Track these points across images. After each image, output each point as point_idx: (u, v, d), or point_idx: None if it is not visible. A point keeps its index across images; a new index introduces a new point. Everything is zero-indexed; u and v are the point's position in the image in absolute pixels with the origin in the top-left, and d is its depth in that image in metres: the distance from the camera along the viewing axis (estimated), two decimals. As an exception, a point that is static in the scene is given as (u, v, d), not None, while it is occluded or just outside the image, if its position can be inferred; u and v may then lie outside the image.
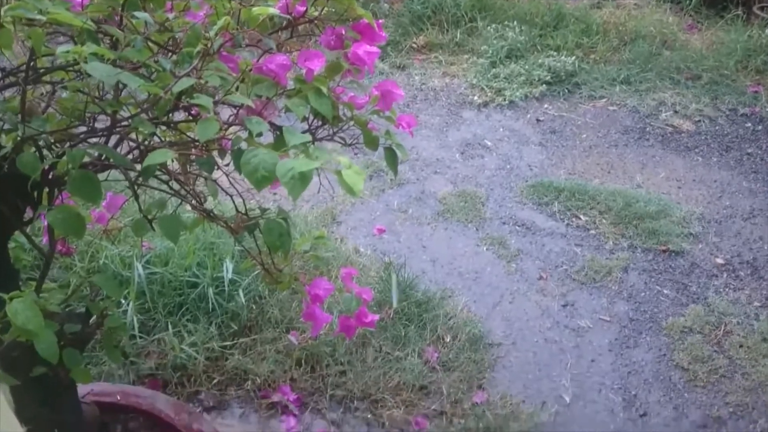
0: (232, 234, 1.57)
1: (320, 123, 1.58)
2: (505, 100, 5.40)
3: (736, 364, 3.22)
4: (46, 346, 1.14)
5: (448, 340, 3.22)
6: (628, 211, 4.18)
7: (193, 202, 1.58)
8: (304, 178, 1.11)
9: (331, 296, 3.12)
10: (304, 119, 1.55)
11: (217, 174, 1.59)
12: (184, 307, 3.09)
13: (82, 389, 1.98)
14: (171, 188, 1.56)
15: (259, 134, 1.27)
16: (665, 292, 3.66)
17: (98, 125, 1.42)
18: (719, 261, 3.86)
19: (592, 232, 4.09)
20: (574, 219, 4.19)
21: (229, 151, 1.47)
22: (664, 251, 3.93)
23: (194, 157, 1.34)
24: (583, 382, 3.12)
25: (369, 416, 2.85)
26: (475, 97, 5.45)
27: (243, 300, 3.10)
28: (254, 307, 3.18)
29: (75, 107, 1.36)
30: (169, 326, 2.98)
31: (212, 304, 3.06)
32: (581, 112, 5.32)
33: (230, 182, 1.73)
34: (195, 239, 3.29)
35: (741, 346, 3.30)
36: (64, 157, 1.22)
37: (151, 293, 3.07)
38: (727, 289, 3.66)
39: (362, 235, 4.02)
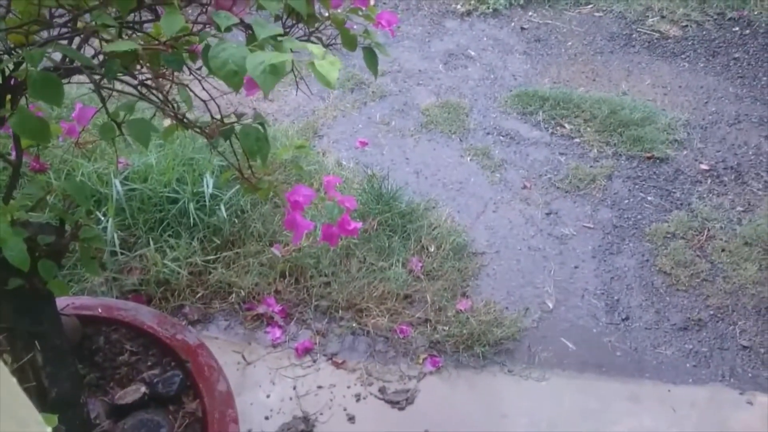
0: (207, 139, 1.53)
1: (294, 22, 1.51)
2: (488, 8, 5.26)
3: (717, 267, 3.27)
4: (15, 252, 1.11)
5: (432, 249, 3.23)
6: (613, 119, 4.15)
7: (167, 107, 1.53)
8: (276, 71, 1.06)
9: (313, 208, 3.12)
10: (278, 18, 1.48)
11: (193, 86, 1.53)
12: (165, 222, 3.06)
13: (60, 302, 1.97)
14: (141, 93, 1.50)
15: (228, 29, 1.21)
16: (649, 198, 3.67)
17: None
18: (703, 167, 3.86)
19: (577, 140, 4.07)
20: (558, 128, 4.16)
21: (200, 55, 1.41)
22: (648, 158, 3.92)
23: (163, 55, 1.27)
24: (566, 288, 3.16)
25: (354, 325, 2.88)
26: (458, 6, 5.31)
27: (225, 214, 3.07)
28: (236, 222, 3.15)
29: (32, 9, 1.29)
30: (151, 242, 2.96)
31: (193, 219, 3.03)
32: (566, 19, 5.21)
33: (203, 89, 1.68)
34: (173, 155, 3.23)
35: (723, 251, 3.34)
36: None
37: (130, 209, 3.04)
38: (710, 195, 3.67)
39: (344, 148, 3.97)
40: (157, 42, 1.20)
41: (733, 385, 2.79)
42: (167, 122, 3.38)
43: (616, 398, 2.71)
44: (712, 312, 3.07)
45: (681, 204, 3.62)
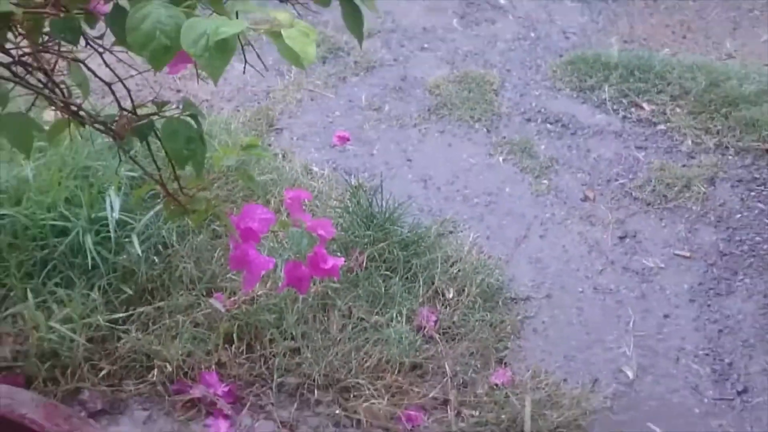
0: (115, 139, 1.55)
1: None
2: (524, -68, 5.34)
3: None
4: None
5: (450, 295, 3.25)
6: (713, 94, 4.20)
7: (53, 95, 1.56)
8: (224, 48, 1.09)
9: (272, 238, 3.15)
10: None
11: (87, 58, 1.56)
12: (50, 264, 3.07)
13: None
14: (15, 74, 1.53)
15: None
16: (771, 211, 3.72)
17: None
18: None
19: (661, 127, 4.11)
20: (633, 109, 4.21)
21: (102, 17, 1.44)
22: (768, 151, 3.98)
23: (49, 20, 1.31)
24: (652, 348, 3.18)
25: (337, 412, 2.89)
26: (479, -70, 5.38)
27: (139, 251, 3.09)
28: (157, 261, 3.17)
29: None
30: (29, 295, 2.97)
31: (92, 258, 3.05)
32: (641, -54, 5.29)
33: (106, 65, 1.71)
34: (60, 163, 3.25)
35: None
36: None
37: (-3, 247, 3.06)
38: None
39: (315, 146, 4.00)
40: (42, 2, 1.24)
41: None
42: (50, 115, 3.43)
43: None
44: None
45: (819, 218, 3.67)
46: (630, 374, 3.09)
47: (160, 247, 3.21)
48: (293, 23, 1.18)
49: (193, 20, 1.13)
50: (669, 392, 3.04)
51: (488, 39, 4.69)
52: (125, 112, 1.65)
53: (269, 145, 3.96)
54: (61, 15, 1.25)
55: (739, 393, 3.04)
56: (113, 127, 1.57)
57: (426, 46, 4.63)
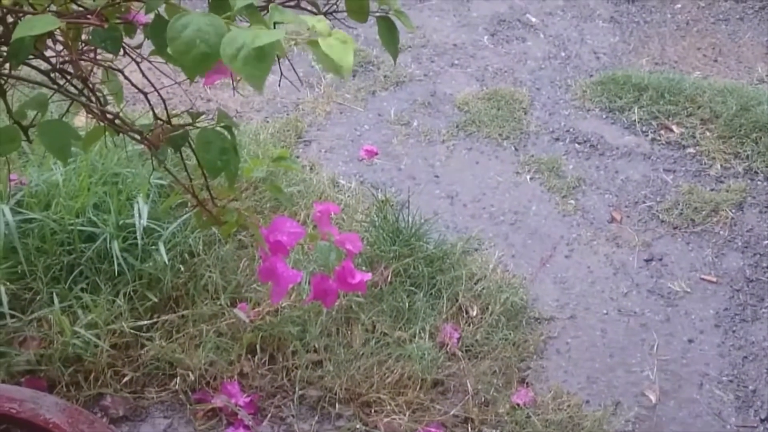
0: (150, 149, 1.57)
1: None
2: (557, -49, 5.35)
3: None
4: None
5: (474, 313, 3.26)
6: (744, 119, 4.19)
7: (90, 102, 1.58)
8: (263, 57, 1.10)
9: (299, 249, 3.16)
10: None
11: (125, 67, 1.58)
12: (77, 270, 3.10)
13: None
14: (54, 82, 1.55)
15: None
16: (799, 238, 3.71)
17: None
18: None
19: (690, 150, 4.11)
20: (662, 132, 4.20)
21: (140, 27, 1.46)
22: (798, 178, 3.97)
23: (90, 30, 1.32)
24: (675, 372, 3.17)
25: (358, 426, 2.90)
26: (512, -52, 5.40)
27: (165, 259, 3.11)
28: (182, 270, 3.19)
29: None
30: (55, 299, 2.99)
31: (119, 265, 3.07)
32: (674, -32, 5.29)
33: (143, 74, 1.73)
34: (89, 169, 3.28)
35: None
36: None
37: (25, 251, 3.08)
38: None
39: (343, 159, 4.02)
40: (84, 12, 1.25)
41: None
42: (80, 121, 3.46)
43: None
44: None
45: None
46: (653, 398, 3.08)
47: (186, 255, 3.24)
48: (330, 31, 1.19)
49: (233, 32, 1.14)
50: (691, 417, 3.03)
51: (518, 57, 4.69)
52: (161, 122, 1.67)
53: (297, 156, 3.98)
54: (105, 25, 1.27)
55: (762, 420, 3.03)
56: (148, 137, 1.59)
57: (456, 62, 4.64)
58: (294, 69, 2.04)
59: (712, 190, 3.90)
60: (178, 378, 2.96)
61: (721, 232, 3.71)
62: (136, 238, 3.11)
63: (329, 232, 1.81)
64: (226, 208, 1.78)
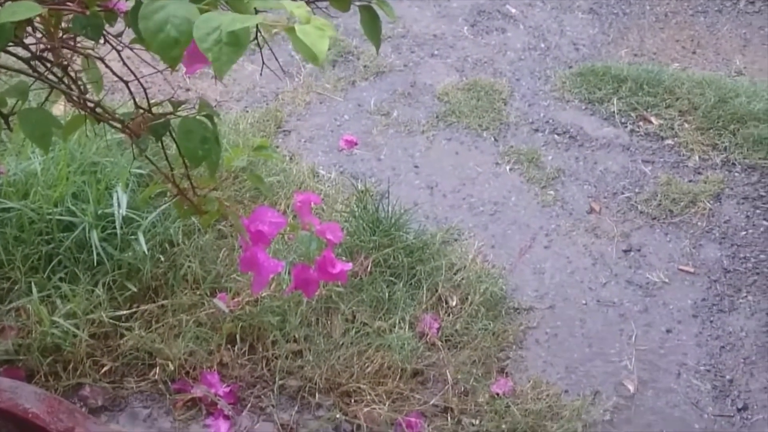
0: (131, 137, 1.56)
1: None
2: (537, -58, 5.36)
3: None
4: None
5: (454, 303, 3.26)
6: (722, 111, 4.21)
7: (70, 90, 1.56)
8: (237, 42, 1.09)
9: (279, 239, 3.15)
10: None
11: (105, 55, 1.57)
12: (56, 259, 3.08)
13: None
14: (34, 69, 1.54)
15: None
16: (776, 229, 3.73)
17: None
18: None
19: (669, 141, 4.13)
20: (641, 123, 4.22)
21: (121, 15, 1.45)
22: (775, 169, 3.99)
23: (71, 17, 1.31)
24: (653, 362, 3.19)
25: (338, 416, 2.90)
26: (493, -61, 5.40)
27: (145, 248, 3.10)
28: (162, 259, 3.18)
29: None
30: (34, 289, 2.98)
31: (98, 254, 3.06)
32: (653, -40, 5.30)
33: (123, 62, 1.72)
34: (68, 158, 3.26)
35: None
36: None
37: (3, 240, 3.06)
38: None
39: (322, 149, 4.01)
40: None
41: None
42: (59, 110, 3.43)
43: None
44: None
45: (824, 238, 3.68)
46: (631, 388, 3.10)
47: (165, 245, 3.23)
48: (309, 18, 1.19)
49: (208, 14, 1.13)
50: (669, 407, 3.05)
51: (498, 48, 4.69)
52: (142, 111, 1.66)
53: (277, 146, 3.97)
54: (86, 12, 1.26)
55: (739, 410, 3.05)
56: (129, 126, 1.58)
57: (436, 52, 4.64)
58: (276, 58, 2.03)
59: (690, 181, 3.92)
60: (158, 368, 2.95)
61: (699, 223, 3.73)
62: (115, 227, 3.10)
63: (310, 222, 1.81)
64: (207, 198, 1.77)
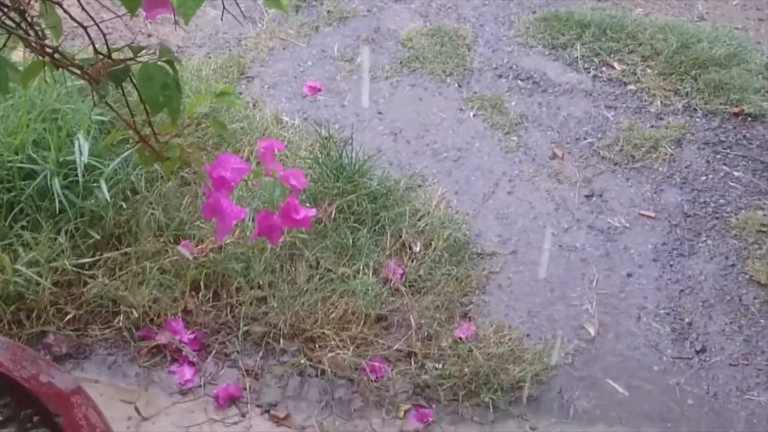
0: (91, 84, 1.55)
1: None
2: None
3: (834, 275, 3.38)
4: None
5: (417, 249, 3.28)
6: (684, 56, 4.23)
7: (28, 36, 1.55)
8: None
9: (243, 186, 3.15)
10: None
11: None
12: (17, 208, 3.06)
13: None
14: (-10, 15, 1.52)
15: None
16: (736, 174, 3.76)
17: None
18: (815, 128, 3.98)
19: (631, 87, 4.14)
20: (604, 68, 4.23)
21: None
22: (736, 114, 4.01)
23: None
24: (614, 306, 3.23)
25: (302, 361, 2.92)
26: None
27: (107, 195, 3.08)
28: (125, 207, 3.16)
29: None
30: (-5, 237, 2.97)
31: (60, 202, 3.04)
32: None
33: (82, 7, 1.70)
34: (28, 105, 3.23)
35: (842, 251, 3.45)
36: None
37: (-37, 188, 3.04)
38: (825, 169, 3.79)
39: (286, 96, 3.99)
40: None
41: None
42: (18, 56, 3.38)
43: (686, 467, 2.80)
44: (826, 341, 3.18)
45: (783, 182, 3.73)
46: (592, 331, 3.14)
47: (128, 192, 3.21)
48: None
49: (171, -41, 1.12)
50: (629, 350, 3.10)
51: (462, -7, 4.68)
52: (101, 56, 1.64)
53: (240, 93, 3.95)
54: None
55: (697, 352, 3.10)
56: (89, 71, 1.56)
57: (399, -3, 4.63)
58: (237, 2, 2.01)
59: (651, 126, 3.94)
60: (122, 315, 2.96)
61: (660, 169, 3.76)
62: (77, 175, 3.07)
63: (273, 169, 1.81)
64: (169, 144, 1.76)
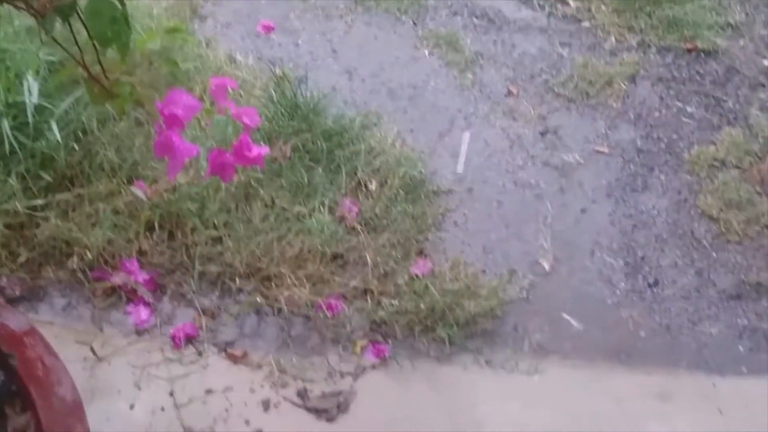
0: (36, 18, 1.53)
1: None
2: None
3: (784, 209, 3.44)
4: None
5: (373, 187, 3.28)
6: (638, -8, 4.25)
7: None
8: None
9: (195, 127, 3.13)
10: None
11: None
12: (-34, 149, 3.03)
13: None
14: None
15: None
16: (689, 110, 3.80)
17: None
18: None
19: (586, 24, 4.15)
20: (559, 5, 4.23)
21: None
22: (689, 51, 4.04)
23: None
24: (569, 241, 3.27)
25: (258, 300, 2.93)
26: None
27: (58, 137, 3.04)
28: (77, 148, 3.13)
29: None
30: (-55, 179, 2.93)
31: (10, 144, 3.00)
32: None
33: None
34: (-26, 45, 3.18)
35: (792, 184, 3.51)
36: None
37: None
38: (776, 104, 3.84)
39: (239, 35, 3.95)
40: None
41: (805, 375, 2.97)
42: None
43: (639, 396, 2.85)
44: (775, 272, 3.24)
45: (735, 118, 3.76)
46: (546, 266, 3.18)
47: (80, 133, 3.17)
48: None
49: None
50: (583, 284, 3.14)
51: (416, -71, 4.64)
52: (46, -9, 1.62)
53: (193, 31, 3.90)
54: None
55: (650, 285, 3.15)
56: (33, 6, 1.54)
57: (353, -66, 4.58)
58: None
59: (606, 63, 3.96)
60: (76, 257, 2.93)
61: (614, 105, 3.78)
62: (26, 116, 3.03)
63: (226, 107, 1.80)
64: (119, 82, 1.75)
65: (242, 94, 3.52)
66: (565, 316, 3.04)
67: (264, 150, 1.83)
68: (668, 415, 2.81)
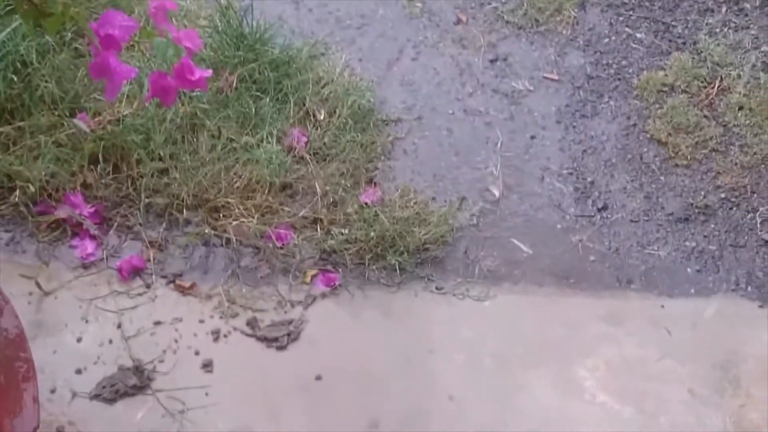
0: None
1: None
2: None
3: (732, 133, 3.46)
4: None
5: (321, 117, 3.26)
6: None
7: None
8: None
9: (138, 56, 3.08)
10: None
11: None
12: None
13: None
14: None
15: None
16: (638, 36, 3.79)
17: None
18: (716, -12, 4.02)
19: (535, -50, 4.12)
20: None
21: None
22: (638, -24, 4.03)
23: None
24: (518, 168, 3.28)
25: (206, 231, 2.91)
26: None
27: (-4, 69, 2.99)
28: (15, 80, 3.07)
29: None
30: None
31: (-54, 77, 2.95)
32: None
33: None
34: None
35: (741, 109, 3.52)
36: None
37: None
38: (725, 29, 3.83)
39: (182, -36, 3.89)
40: None
41: (751, 295, 3.02)
42: None
43: (588, 319, 2.89)
44: (723, 195, 3.27)
45: (684, 43, 3.77)
46: (496, 193, 3.19)
47: (18, 65, 3.10)
48: None
49: None
50: (533, 210, 3.16)
51: None
52: None
53: (133, -39, 3.82)
54: None
55: (599, 210, 3.18)
56: None
57: None
58: None
59: (555, -11, 3.95)
60: (18, 191, 2.90)
61: (564, 32, 3.77)
62: (-38, 47, 2.97)
63: (166, 29, 1.77)
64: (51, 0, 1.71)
65: (186, 24, 3.47)
66: (516, 242, 3.06)
67: (206, 73, 1.80)
68: (618, 337, 2.85)
